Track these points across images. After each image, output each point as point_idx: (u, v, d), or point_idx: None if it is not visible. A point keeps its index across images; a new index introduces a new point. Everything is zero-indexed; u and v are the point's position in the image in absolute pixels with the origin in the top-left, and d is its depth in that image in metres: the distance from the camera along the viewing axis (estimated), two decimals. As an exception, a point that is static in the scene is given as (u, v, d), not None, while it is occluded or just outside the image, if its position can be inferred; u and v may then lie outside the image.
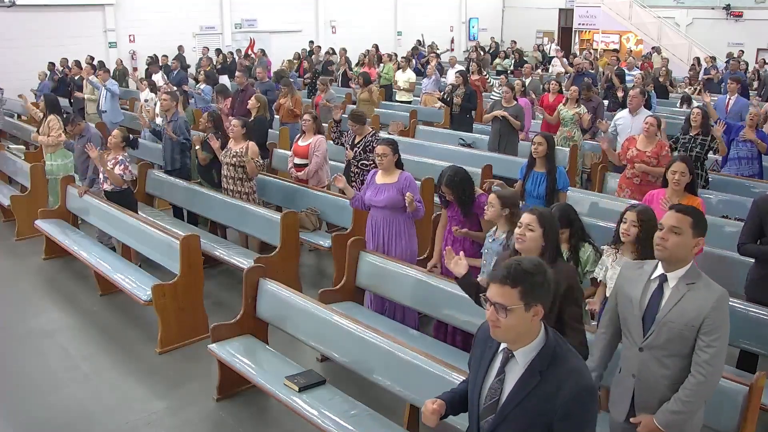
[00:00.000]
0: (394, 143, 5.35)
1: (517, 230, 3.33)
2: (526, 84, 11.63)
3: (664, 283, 2.85)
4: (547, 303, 2.16)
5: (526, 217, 3.30)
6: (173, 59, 15.07)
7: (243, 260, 6.09)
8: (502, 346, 2.23)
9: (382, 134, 10.01)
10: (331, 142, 7.61)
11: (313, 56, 17.81)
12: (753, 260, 4.48)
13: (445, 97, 10.32)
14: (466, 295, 3.60)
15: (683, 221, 2.82)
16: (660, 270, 2.89)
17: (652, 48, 20.23)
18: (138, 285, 5.60)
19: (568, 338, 3.13)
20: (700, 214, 2.91)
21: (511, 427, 2.17)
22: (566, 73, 14.46)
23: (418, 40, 20.85)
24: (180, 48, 17.53)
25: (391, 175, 5.25)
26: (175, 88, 10.29)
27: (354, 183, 6.76)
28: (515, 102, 8.86)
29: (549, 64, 19.04)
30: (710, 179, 7.17)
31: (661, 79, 13.28)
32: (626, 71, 13.21)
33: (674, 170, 4.68)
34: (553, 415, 2.09)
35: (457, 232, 4.79)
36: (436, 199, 5.55)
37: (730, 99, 9.23)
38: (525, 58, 19.51)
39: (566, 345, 2.21)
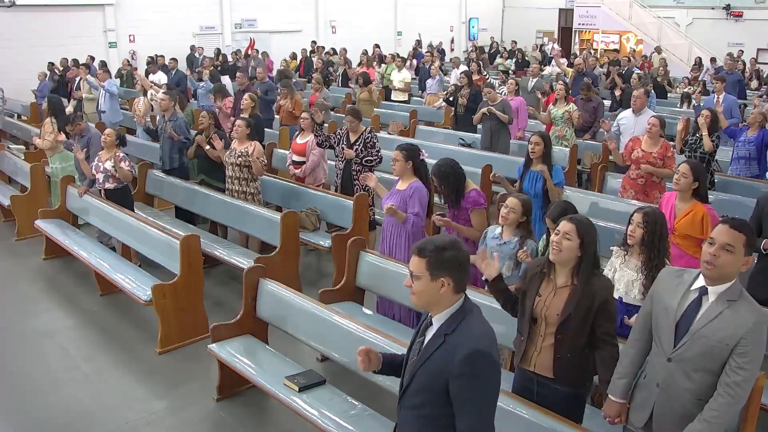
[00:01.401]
0: (408, 148, 5.15)
1: (553, 237, 3.20)
2: (532, 84, 11.64)
3: (704, 296, 2.75)
4: (460, 277, 2.32)
5: (564, 225, 3.16)
6: (170, 59, 15.05)
7: (243, 260, 6.08)
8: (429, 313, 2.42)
9: (382, 134, 10.04)
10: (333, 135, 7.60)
11: (314, 56, 17.81)
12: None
13: (449, 97, 10.32)
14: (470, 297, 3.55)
15: (737, 239, 2.66)
16: (701, 282, 2.77)
17: (655, 48, 20.23)
18: (138, 285, 5.59)
19: (600, 352, 3.11)
20: (753, 231, 2.78)
21: (419, 385, 2.36)
22: (565, 73, 14.47)
23: (417, 41, 20.86)
24: (192, 48, 17.59)
25: (405, 182, 5.13)
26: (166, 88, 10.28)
27: (356, 181, 6.75)
28: (500, 98, 8.95)
29: (549, 64, 19.03)
30: (715, 180, 7.16)
31: (659, 79, 13.29)
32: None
33: (677, 170, 4.72)
34: (449, 375, 2.25)
35: (438, 221, 4.77)
36: (436, 199, 5.53)
37: (718, 98, 9.27)
38: (527, 59, 19.52)
39: (479, 317, 2.37)
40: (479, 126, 10.17)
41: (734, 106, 9.28)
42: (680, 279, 2.86)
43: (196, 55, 17.36)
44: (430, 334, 2.38)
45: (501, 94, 9.73)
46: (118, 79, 14.63)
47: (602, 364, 3.14)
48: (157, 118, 8.98)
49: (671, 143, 6.77)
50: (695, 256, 4.40)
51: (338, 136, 6.94)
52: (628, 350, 3.03)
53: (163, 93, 8.18)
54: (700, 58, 18.67)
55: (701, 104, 9.84)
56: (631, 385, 3.01)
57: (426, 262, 2.30)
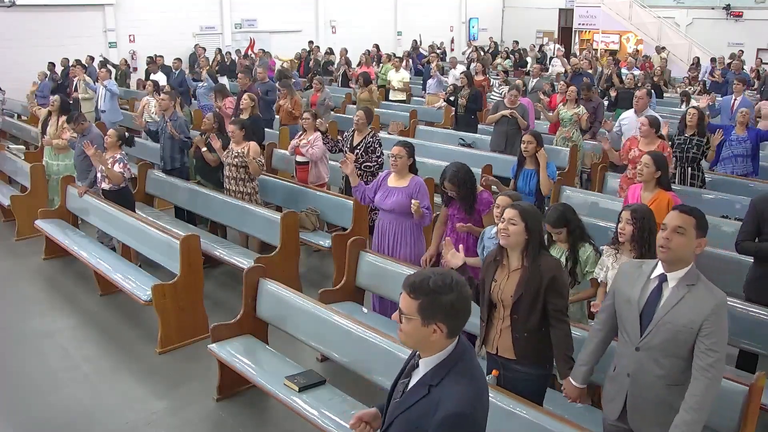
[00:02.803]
0: (410, 146, 5.27)
1: (500, 225, 3.37)
2: (532, 84, 11.63)
3: (664, 283, 2.84)
4: (455, 324, 2.08)
5: (508, 212, 3.33)
6: (174, 59, 15.03)
7: (243, 260, 6.08)
8: (417, 352, 2.21)
9: (382, 134, 10.04)
10: (340, 138, 7.60)
11: (312, 56, 17.81)
12: (752, 259, 4.52)
13: (449, 97, 10.32)
14: None
15: (687, 221, 2.80)
16: (660, 270, 2.87)
17: (660, 48, 20.23)
18: (138, 285, 5.60)
19: (553, 330, 3.25)
20: (702, 214, 2.90)
21: (396, 430, 2.18)
22: (566, 72, 14.49)
23: (415, 41, 20.87)
24: (196, 47, 17.59)
25: (403, 179, 5.18)
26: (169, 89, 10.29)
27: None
28: (519, 102, 8.84)
29: (549, 64, 19.03)
30: (707, 179, 7.18)
31: (655, 79, 13.30)
32: (626, 71, 13.23)
33: (640, 162, 4.85)
34: (427, 430, 2.05)
35: (460, 228, 4.78)
36: (437, 199, 5.54)
37: (735, 99, 9.30)
38: (526, 59, 19.52)
39: (470, 366, 2.14)
40: (479, 126, 10.22)
41: (750, 109, 9.27)
42: (640, 270, 2.96)
43: (205, 55, 17.30)
44: (415, 377, 2.17)
45: (500, 94, 9.73)
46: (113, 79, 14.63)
47: (555, 341, 3.28)
48: (158, 119, 9.00)
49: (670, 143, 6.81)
50: None
51: (345, 138, 6.95)
52: (590, 339, 3.16)
53: (162, 93, 8.18)
54: (698, 58, 18.67)
55: (717, 105, 9.86)
56: (591, 372, 3.14)
57: (418, 305, 2.04)
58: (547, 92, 10.82)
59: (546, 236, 4.09)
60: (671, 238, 2.78)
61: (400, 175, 5.20)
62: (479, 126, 10.23)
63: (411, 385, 2.18)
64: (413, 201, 5.00)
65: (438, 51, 19.05)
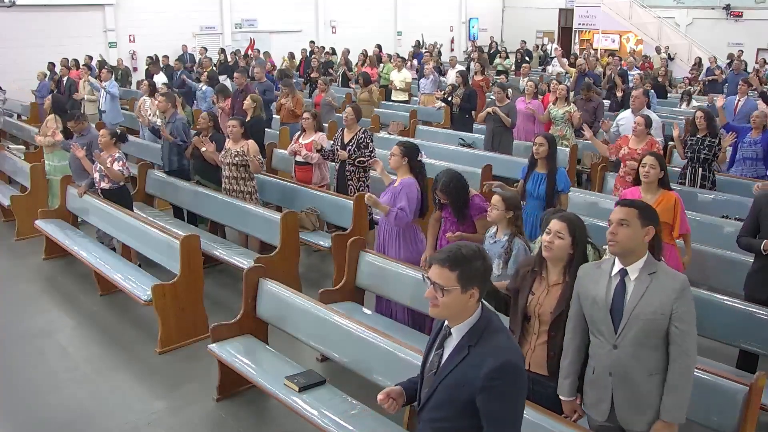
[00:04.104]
0: (408, 146, 5.23)
1: (545, 237, 3.22)
2: (524, 83, 11.60)
3: (625, 277, 2.89)
4: (485, 287, 2.29)
5: (555, 224, 3.20)
6: (175, 60, 15.05)
7: (243, 260, 6.08)
8: (445, 323, 2.36)
9: (382, 134, 10.05)
10: (331, 142, 7.60)
11: (313, 56, 17.82)
12: (752, 257, 4.58)
13: (445, 97, 10.33)
14: None
15: (629, 213, 2.87)
16: (619, 265, 2.92)
17: (662, 48, 20.22)
18: (138, 285, 5.59)
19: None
20: (646, 205, 2.99)
21: (440, 398, 2.30)
22: (566, 73, 14.47)
23: (417, 41, 20.88)
24: (183, 47, 17.56)
25: (398, 178, 5.21)
26: (168, 89, 10.28)
27: (350, 181, 6.78)
28: (508, 101, 8.94)
29: (549, 64, 19.03)
30: (717, 180, 7.15)
31: (660, 79, 13.30)
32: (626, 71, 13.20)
33: (644, 163, 4.77)
34: (476, 388, 2.18)
35: (451, 238, 4.78)
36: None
37: (739, 100, 9.26)
38: (529, 59, 19.49)
39: (500, 324, 2.32)
40: (474, 125, 10.23)
41: (754, 110, 9.21)
42: (599, 269, 3.00)
43: (198, 55, 17.30)
44: (450, 345, 2.31)
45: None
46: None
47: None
48: (153, 119, 9.01)
49: (658, 140, 6.79)
50: (669, 243, 4.59)
51: (335, 138, 6.95)
52: (567, 350, 3.12)
53: (160, 95, 8.18)
54: (700, 59, 18.68)
55: (723, 105, 9.80)
56: (576, 382, 3.12)
57: (457, 275, 2.23)
58: (542, 92, 10.72)
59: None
60: (617, 232, 2.85)
61: (398, 174, 5.22)
62: (475, 125, 10.24)
63: (446, 354, 2.32)
64: (366, 195, 5.01)
65: (434, 51, 19.01)
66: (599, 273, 2.97)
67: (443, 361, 2.32)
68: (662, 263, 2.95)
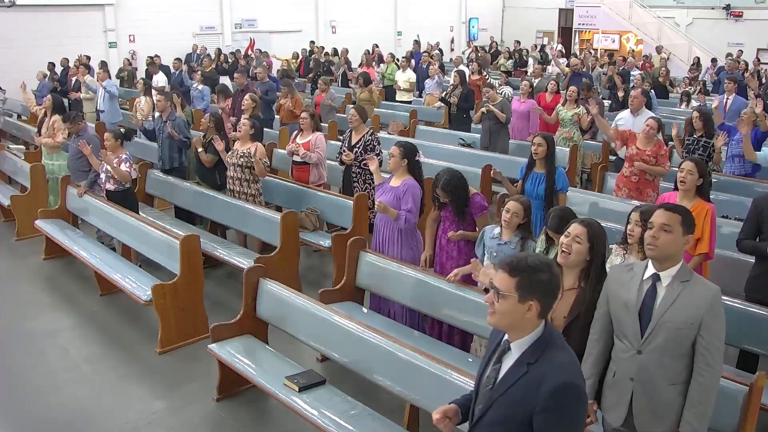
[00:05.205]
0: (407, 146, 5.24)
1: (563, 239, 3.18)
2: (534, 84, 11.62)
3: (657, 282, 2.83)
4: (548, 303, 2.16)
5: (575, 228, 3.15)
6: (174, 59, 15.04)
7: (243, 260, 6.08)
8: (505, 337, 2.26)
9: (382, 134, 10.04)
10: (332, 141, 7.60)
11: (313, 56, 17.82)
12: (753, 259, 4.55)
13: (445, 97, 10.33)
14: (473, 298, 3.51)
15: (672, 218, 2.81)
16: (651, 269, 2.87)
17: (659, 48, 20.23)
18: (138, 285, 5.59)
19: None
20: (689, 212, 2.90)
21: (495, 415, 2.21)
22: (563, 73, 14.48)
23: (415, 41, 20.89)
24: (194, 47, 17.62)
25: (398, 179, 5.20)
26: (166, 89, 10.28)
27: (356, 183, 6.75)
28: (500, 98, 9.00)
29: (549, 64, 19.03)
30: (713, 180, 7.15)
31: (661, 79, 13.30)
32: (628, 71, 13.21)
33: (681, 168, 4.66)
34: (534, 407, 2.10)
35: (454, 237, 4.79)
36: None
37: (728, 99, 9.26)
38: (526, 59, 19.49)
39: (562, 342, 2.23)
40: (473, 125, 10.23)
41: (743, 108, 9.24)
42: (631, 272, 2.94)
43: (198, 53, 17.32)
44: (508, 361, 2.22)
45: (501, 95, 9.73)
46: (118, 80, 14.62)
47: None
48: (155, 118, 8.99)
49: (671, 142, 6.79)
50: (689, 252, 4.45)
51: (344, 138, 6.95)
52: (590, 351, 3.07)
53: (158, 94, 8.18)
54: (698, 58, 18.68)
55: (710, 105, 9.81)
56: (596, 385, 3.06)
57: (516, 282, 2.13)
58: (551, 92, 10.73)
59: (544, 236, 4.10)
60: (658, 236, 2.80)
61: (396, 175, 5.22)
62: (473, 125, 10.24)
63: (504, 369, 2.23)
64: (377, 201, 5.00)
65: (433, 51, 19.01)
66: (630, 276, 2.92)
67: (500, 377, 2.23)
68: (696, 273, 2.88)
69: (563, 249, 3.17)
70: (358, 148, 6.75)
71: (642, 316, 2.83)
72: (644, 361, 2.82)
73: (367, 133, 6.85)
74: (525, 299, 2.13)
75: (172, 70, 14.15)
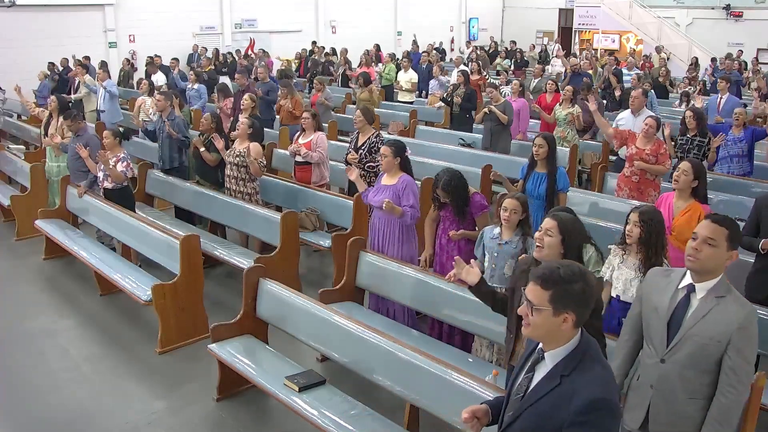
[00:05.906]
0: (397, 145, 5.29)
1: (536, 234, 3.19)
2: (534, 84, 11.63)
3: (692, 293, 2.75)
4: (583, 313, 2.12)
5: (546, 222, 3.16)
6: (171, 59, 15.04)
7: (243, 260, 6.08)
8: (539, 345, 2.22)
9: (382, 134, 10.02)
10: (332, 141, 7.59)
11: (314, 56, 17.82)
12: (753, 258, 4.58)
13: (446, 96, 10.34)
14: (474, 298, 3.50)
15: (718, 232, 2.68)
16: (688, 279, 2.77)
17: (659, 48, 20.23)
18: (138, 285, 5.60)
19: None
20: (736, 225, 2.77)
21: (525, 425, 2.17)
22: (566, 72, 14.49)
23: (413, 41, 20.89)
24: (194, 47, 17.62)
25: (393, 177, 5.24)
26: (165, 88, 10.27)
27: None
28: (503, 99, 8.99)
29: (549, 64, 19.03)
30: (709, 180, 7.16)
31: (660, 80, 13.30)
32: (626, 71, 13.20)
33: (678, 168, 4.69)
34: (564, 420, 2.05)
35: (455, 236, 4.79)
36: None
37: (721, 98, 9.26)
38: (526, 59, 19.49)
39: (598, 355, 2.17)
40: (474, 125, 10.23)
41: (737, 107, 9.29)
42: (668, 278, 2.86)
43: (198, 53, 17.34)
44: (541, 371, 2.17)
45: (502, 95, 9.75)
46: (116, 79, 14.63)
47: None
48: (155, 118, 8.99)
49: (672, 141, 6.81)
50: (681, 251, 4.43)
51: (351, 139, 6.96)
52: (618, 351, 3.03)
53: (158, 93, 8.18)
54: (696, 58, 18.68)
55: (704, 104, 9.84)
56: (621, 386, 3.02)
57: (550, 295, 2.08)
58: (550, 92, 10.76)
59: None
60: (701, 249, 2.67)
61: (389, 174, 5.26)
62: (475, 125, 10.23)
63: (536, 378, 2.18)
64: (385, 200, 5.01)
65: (432, 51, 19.02)
66: (667, 282, 2.84)
67: (532, 387, 2.19)
68: (735, 290, 2.75)
69: (537, 243, 3.17)
70: (363, 149, 6.74)
71: (671, 325, 2.76)
72: (666, 371, 2.77)
73: (372, 135, 6.84)
74: (560, 312, 2.08)
75: (171, 70, 14.15)
